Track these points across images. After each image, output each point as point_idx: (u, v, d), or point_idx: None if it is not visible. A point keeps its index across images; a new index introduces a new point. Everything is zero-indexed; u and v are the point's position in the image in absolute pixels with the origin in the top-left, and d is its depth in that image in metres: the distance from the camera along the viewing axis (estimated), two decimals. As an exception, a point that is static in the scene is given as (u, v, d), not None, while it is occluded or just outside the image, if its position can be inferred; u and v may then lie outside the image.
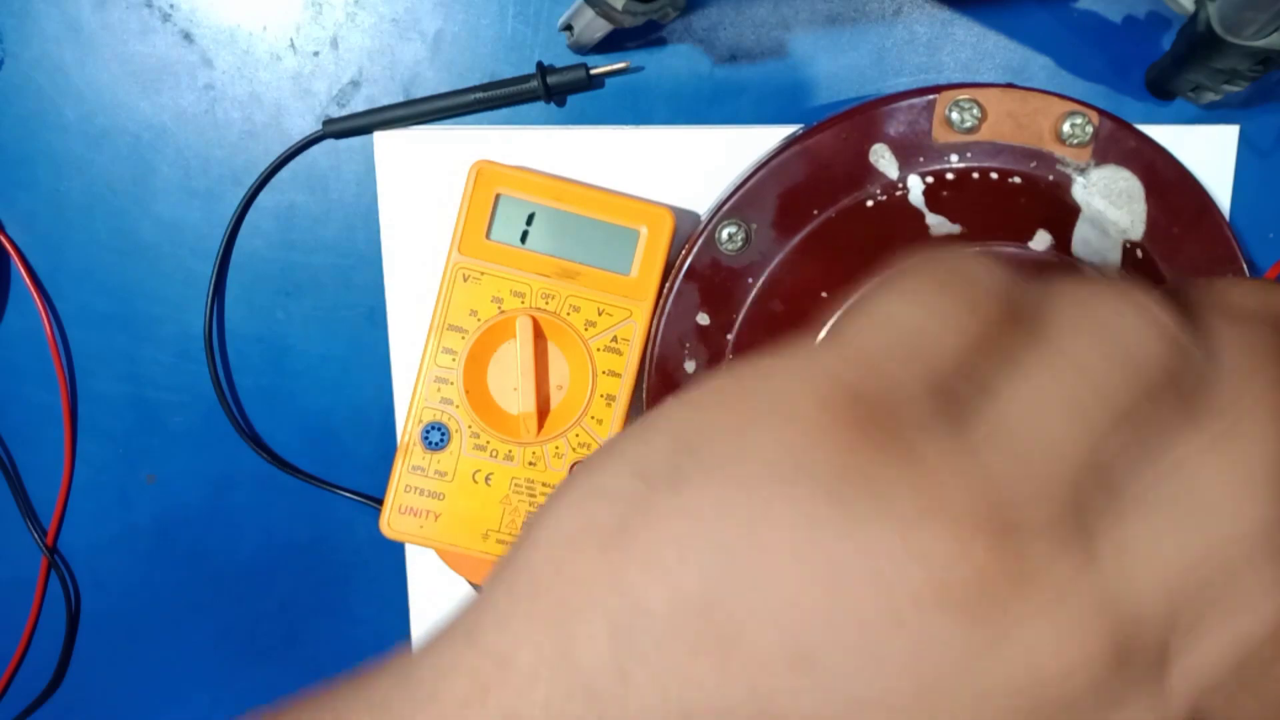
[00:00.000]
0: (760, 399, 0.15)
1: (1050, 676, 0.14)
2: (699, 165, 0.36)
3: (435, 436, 0.35)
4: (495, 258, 0.34)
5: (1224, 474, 0.14)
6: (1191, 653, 0.15)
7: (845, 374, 0.14)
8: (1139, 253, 0.33)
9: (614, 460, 0.16)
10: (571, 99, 0.37)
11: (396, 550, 0.40)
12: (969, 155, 0.33)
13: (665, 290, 0.34)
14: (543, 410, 0.35)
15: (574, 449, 0.35)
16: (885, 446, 0.14)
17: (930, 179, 0.33)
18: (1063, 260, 0.33)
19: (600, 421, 0.35)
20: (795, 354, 0.15)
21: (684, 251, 0.34)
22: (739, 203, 0.33)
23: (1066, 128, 0.32)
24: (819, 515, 0.14)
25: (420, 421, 0.35)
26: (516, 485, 0.35)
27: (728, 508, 0.14)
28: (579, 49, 0.37)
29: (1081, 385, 0.14)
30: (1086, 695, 0.14)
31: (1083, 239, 0.33)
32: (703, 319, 0.34)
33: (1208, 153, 0.35)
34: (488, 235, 0.34)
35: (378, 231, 0.37)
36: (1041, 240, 0.33)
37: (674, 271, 0.34)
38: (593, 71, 0.36)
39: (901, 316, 0.15)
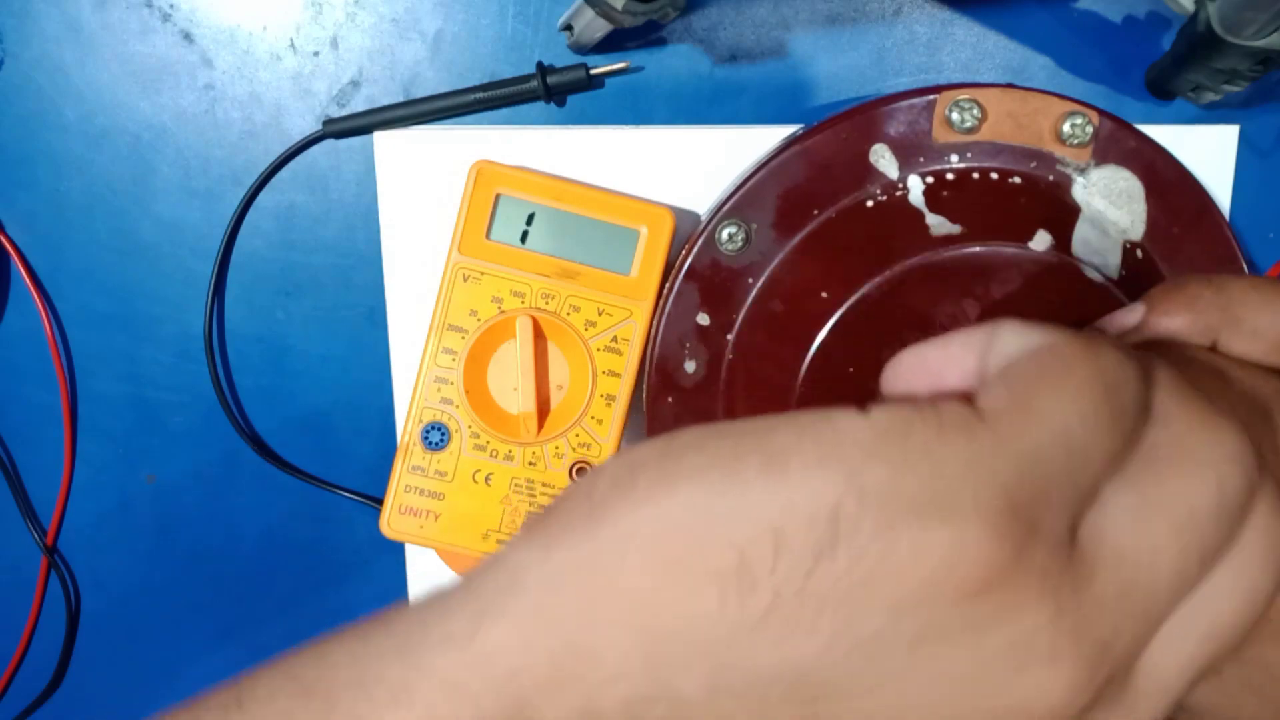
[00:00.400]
0: (925, 489, 0.15)
1: None
2: (699, 165, 0.36)
3: (435, 436, 0.35)
4: (495, 258, 0.34)
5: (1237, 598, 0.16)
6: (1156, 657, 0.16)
7: (1013, 486, 0.15)
8: (1139, 253, 0.33)
9: (747, 501, 0.15)
10: (571, 99, 0.37)
11: (396, 550, 0.40)
12: (969, 155, 0.33)
13: (665, 290, 0.34)
14: (543, 410, 0.35)
15: (574, 449, 0.35)
16: (1026, 580, 0.15)
17: (930, 179, 0.33)
18: (1063, 260, 0.33)
19: (600, 421, 0.35)
20: (961, 439, 0.15)
21: (684, 251, 0.34)
22: (739, 203, 0.33)
23: (1066, 128, 0.32)
24: (946, 623, 0.15)
25: (420, 421, 0.35)
26: (516, 485, 0.35)
27: (867, 584, 0.15)
28: (579, 49, 0.37)
29: (1184, 528, 0.16)
30: None
31: (1083, 239, 0.33)
32: (703, 319, 0.34)
33: (1208, 153, 0.35)
34: (488, 235, 0.34)
35: (378, 231, 0.37)
36: (1041, 240, 0.33)
37: (674, 271, 0.34)
38: (593, 71, 0.36)
39: (1067, 426, 0.15)
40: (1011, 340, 0.17)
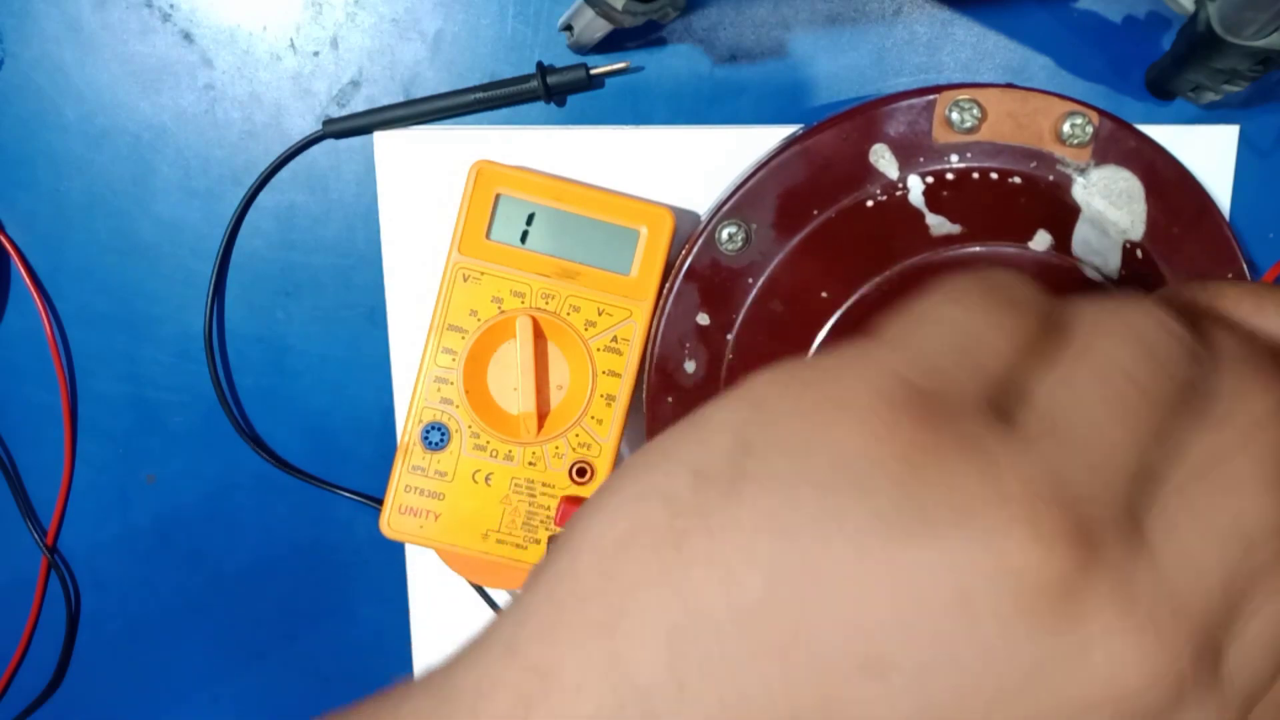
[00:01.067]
0: (822, 395, 0.15)
1: (1132, 689, 0.13)
2: (699, 165, 0.36)
3: (435, 436, 0.35)
4: (495, 258, 0.34)
5: (1254, 467, 0.14)
6: (1240, 644, 0.14)
7: (906, 371, 0.14)
8: (1139, 253, 0.33)
9: (667, 460, 0.15)
10: (571, 99, 0.37)
11: (396, 550, 0.40)
12: (969, 155, 0.33)
13: (665, 290, 0.34)
14: (543, 410, 0.35)
15: (574, 449, 0.35)
16: (951, 443, 0.14)
17: (930, 179, 0.33)
18: (1063, 260, 0.33)
19: (600, 421, 0.35)
20: (852, 352, 0.15)
21: (684, 251, 0.34)
22: (739, 203, 0.33)
23: (1066, 128, 0.32)
24: (890, 516, 0.13)
25: (420, 421, 0.35)
26: (516, 485, 0.35)
27: (795, 509, 0.14)
28: (579, 49, 0.37)
29: (1120, 379, 0.14)
30: (1165, 706, 0.13)
31: (1083, 239, 0.33)
32: (703, 319, 0.34)
33: (1208, 153, 0.35)
34: (488, 235, 0.34)
35: (378, 231, 0.37)
36: (1041, 240, 0.33)
37: (674, 271, 0.34)
38: (593, 71, 0.36)
39: (951, 318, 0.15)
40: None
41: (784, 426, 0.15)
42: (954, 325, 0.15)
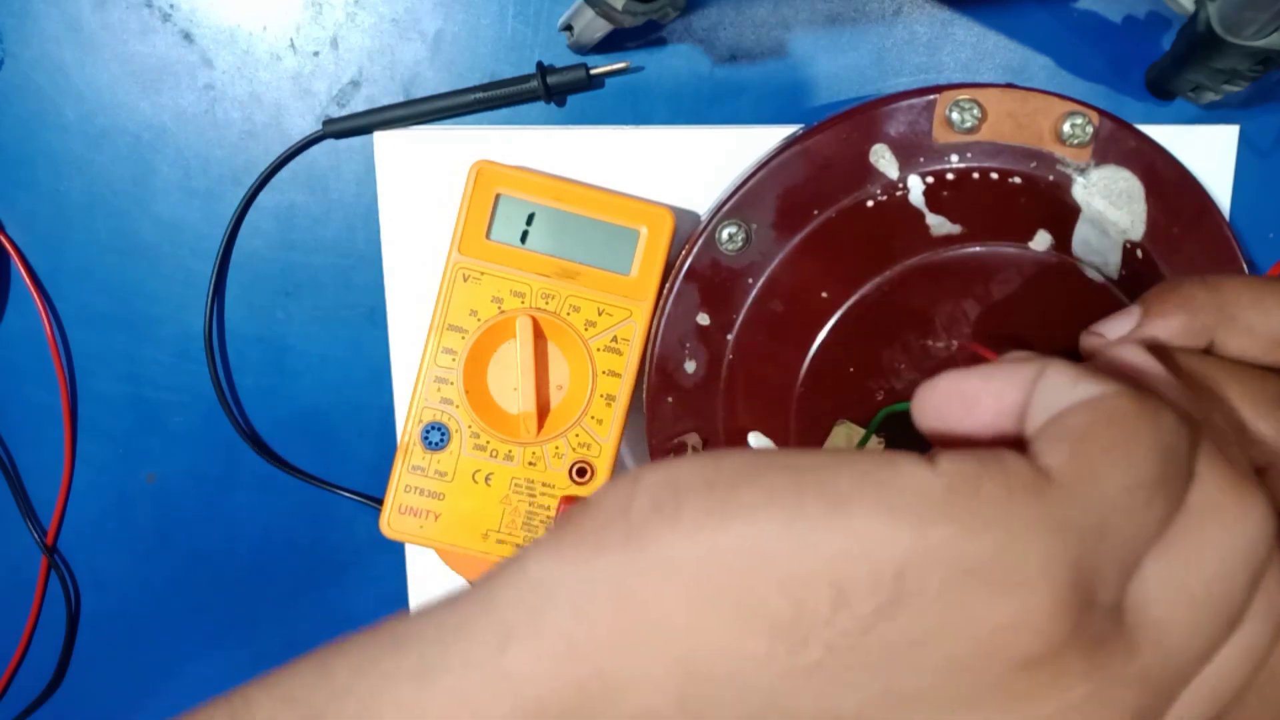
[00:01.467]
0: (995, 559, 0.14)
1: None
2: (699, 165, 0.36)
3: (435, 436, 0.35)
4: (495, 258, 0.34)
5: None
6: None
7: (1076, 555, 0.15)
8: (1139, 253, 0.33)
9: (804, 534, 0.15)
10: (571, 99, 0.37)
11: (396, 550, 0.40)
12: (969, 155, 0.33)
13: (665, 290, 0.34)
14: (543, 410, 0.35)
15: (574, 449, 0.35)
16: (1079, 651, 0.15)
17: (930, 179, 0.33)
18: (1063, 260, 0.33)
19: (600, 421, 0.35)
20: (1026, 490, 0.15)
21: (684, 251, 0.34)
22: (739, 203, 0.33)
23: (1066, 128, 0.32)
24: (994, 689, 0.14)
25: (420, 421, 0.35)
26: (516, 485, 0.35)
27: (922, 644, 0.14)
28: (579, 49, 0.37)
29: (1221, 597, 0.16)
30: None
31: (1083, 239, 0.33)
32: (703, 319, 0.34)
33: (1208, 153, 0.35)
34: (488, 235, 0.34)
35: (378, 231, 0.37)
36: (1041, 240, 0.33)
37: (674, 271, 0.34)
38: (593, 71, 0.36)
39: (1131, 500, 0.15)
40: (1062, 387, 0.16)
41: (941, 580, 0.14)
42: (1132, 508, 0.15)
